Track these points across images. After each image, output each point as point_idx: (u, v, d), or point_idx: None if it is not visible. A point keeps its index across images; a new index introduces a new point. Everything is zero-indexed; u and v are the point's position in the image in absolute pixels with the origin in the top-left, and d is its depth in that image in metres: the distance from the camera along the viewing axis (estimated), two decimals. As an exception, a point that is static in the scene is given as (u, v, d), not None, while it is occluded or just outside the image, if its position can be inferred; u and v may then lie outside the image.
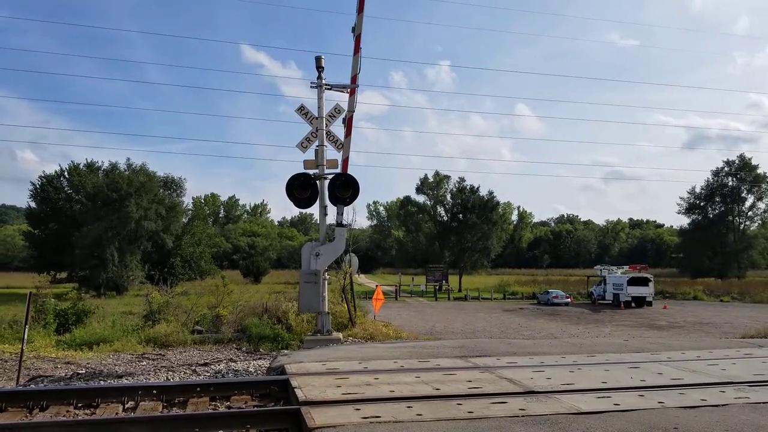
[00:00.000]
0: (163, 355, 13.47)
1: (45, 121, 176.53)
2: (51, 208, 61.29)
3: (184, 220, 66.04)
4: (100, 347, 14.27)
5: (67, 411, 6.96)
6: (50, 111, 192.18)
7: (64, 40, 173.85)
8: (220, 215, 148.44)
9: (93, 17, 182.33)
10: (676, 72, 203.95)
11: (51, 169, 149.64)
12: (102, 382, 9.94)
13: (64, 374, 11.04)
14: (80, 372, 11.23)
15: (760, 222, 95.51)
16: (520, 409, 6.20)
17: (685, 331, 30.15)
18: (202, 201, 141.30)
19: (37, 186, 62.41)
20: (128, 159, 66.03)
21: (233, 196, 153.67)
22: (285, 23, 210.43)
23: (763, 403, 6.59)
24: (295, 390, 7.04)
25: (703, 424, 5.68)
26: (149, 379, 10.28)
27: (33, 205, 62.85)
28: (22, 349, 10.72)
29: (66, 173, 63.69)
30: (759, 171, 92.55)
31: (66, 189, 63.18)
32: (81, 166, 64.77)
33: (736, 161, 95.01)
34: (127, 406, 7.20)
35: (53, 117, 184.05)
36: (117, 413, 6.88)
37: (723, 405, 6.47)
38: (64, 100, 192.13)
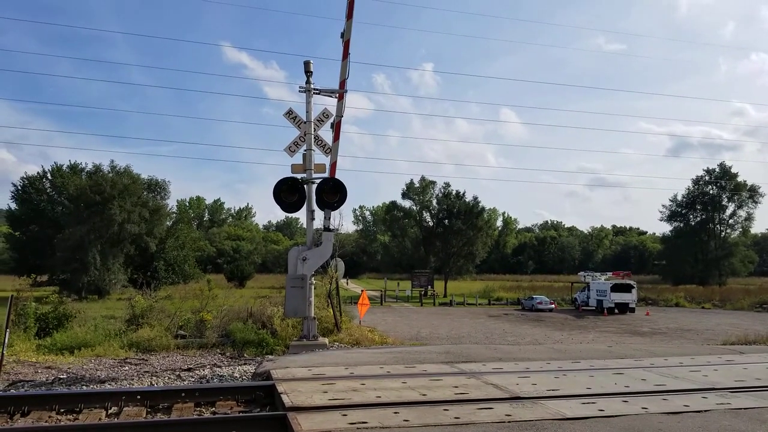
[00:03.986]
0: (146, 360, 13.31)
1: (26, 122, 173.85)
2: (32, 210, 60.28)
3: (168, 223, 65.33)
4: (81, 352, 14.06)
5: (50, 416, 6.86)
6: (31, 112, 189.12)
7: (44, 39, 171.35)
8: (205, 219, 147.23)
9: (74, 17, 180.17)
10: (662, 80, 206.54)
11: (30, 169, 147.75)
12: (84, 387, 9.80)
13: (45, 379, 10.86)
14: (61, 377, 11.06)
15: (740, 230, 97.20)
16: (506, 415, 6.24)
17: (667, 337, 30.49)
18: (187, 204, 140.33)
19: (19, 187, 61.40)
20: (112, 161, 65.51)
21: (218, 200, 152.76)
22: (269, 25, 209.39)
23: (744, 409, 6.70)
24: (282, 395, 7.01)
25: (686, 429, 5.76)
26: (132, 385, 10.17)
27: (14, 206, 61.83)
28: (2, 354, 10.55)
29: (48, 174, 62.74)
30: (739, 179, 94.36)
31: (48, 190, 62.19)
32: (64, 168, 63.88)
33: (717, 170, 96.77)
34: (110, 411, 7.12)
35: (34, 118, 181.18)
36: (100, 419, 6.80)
37: (705, 411, 6.57)
38: (44, 101, 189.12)
